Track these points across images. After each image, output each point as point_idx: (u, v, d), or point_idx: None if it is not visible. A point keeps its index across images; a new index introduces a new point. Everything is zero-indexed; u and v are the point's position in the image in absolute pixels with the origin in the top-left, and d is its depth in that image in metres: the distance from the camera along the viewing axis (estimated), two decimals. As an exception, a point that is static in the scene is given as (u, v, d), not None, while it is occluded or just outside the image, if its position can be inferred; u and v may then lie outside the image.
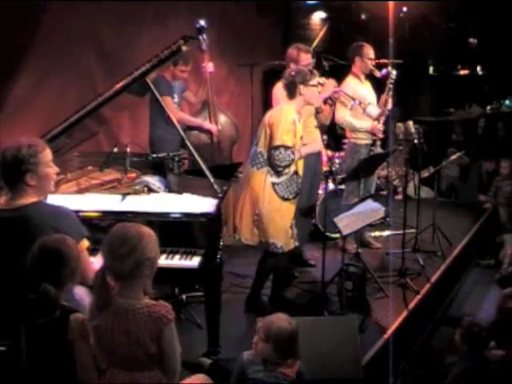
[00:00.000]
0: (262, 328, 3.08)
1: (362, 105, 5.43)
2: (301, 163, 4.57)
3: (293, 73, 4.49)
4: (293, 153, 4.33)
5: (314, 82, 4.50)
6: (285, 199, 4.44)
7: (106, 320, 2.55)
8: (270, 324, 3.07)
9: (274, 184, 4.41)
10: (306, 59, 5.15)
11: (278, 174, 4.39)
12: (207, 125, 5.86)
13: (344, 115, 5.69)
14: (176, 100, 5.69)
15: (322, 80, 5.09)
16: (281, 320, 3.09)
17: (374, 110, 5.72)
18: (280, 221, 4.44)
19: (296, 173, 4.49)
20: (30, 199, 2.96)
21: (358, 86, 5.76)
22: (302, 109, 4.55)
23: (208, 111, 5.89)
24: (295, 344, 3.07)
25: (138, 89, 4.21)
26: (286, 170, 4.39)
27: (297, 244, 4.65)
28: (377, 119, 5.71)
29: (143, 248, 2.54)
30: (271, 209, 4.40)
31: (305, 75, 4.47)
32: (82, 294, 3.12)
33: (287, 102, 4.50)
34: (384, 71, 5.75)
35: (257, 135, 4.54)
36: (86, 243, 3.01)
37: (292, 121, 4.38)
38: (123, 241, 2.54)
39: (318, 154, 5.38)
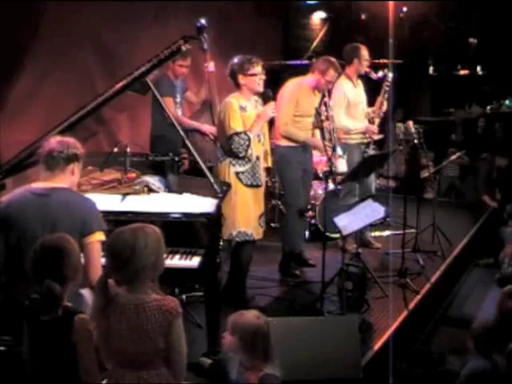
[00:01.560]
0: (229, 320, 2.97)
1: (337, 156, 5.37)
2: (259, 148, 4.56)
3: (233, 62, 4.48)
4: (245, 134, 4.35)
5: (253, 71, 4.43)
6: (253, 186, 4.47)
7: (114, 318, 2.54)
8: (237, 316, 2.96)
9: (237, 173, 4.43)
10: (333, 76, 5.19)
11: (244, 159, 4.41)
12: (205, 127, 5.82)
13: (339, 118, 5.65)
14: (178, 100, 5.67)
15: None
16: (249, 314, 2.95)
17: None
18: (248, 209, 4.45)
19: (258, 158, 4.51)
20: (62, 184, 3.16)
21: (350, 89, 5.73)
22: (250, 96, 4.52)
23: (210, 111, 5.88)
24: (261, 341, 2.88)
25: (140, 87, 4.20)
26: (250, 152, 4.39)
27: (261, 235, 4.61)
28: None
29: (139, 256, 2.53)
30: (237, 198, 4.41)
31: (242, 65, 4.43)
32: (88, 295, 3.13)
33: (234, 93, 4.51)
34: (380, 73, 5.73)
35: None
36: (102, 236, 3.07)
37: (238, 107, 4.40)
38: (118, 251, 2.54)
39: (306, 152, 5.34)
